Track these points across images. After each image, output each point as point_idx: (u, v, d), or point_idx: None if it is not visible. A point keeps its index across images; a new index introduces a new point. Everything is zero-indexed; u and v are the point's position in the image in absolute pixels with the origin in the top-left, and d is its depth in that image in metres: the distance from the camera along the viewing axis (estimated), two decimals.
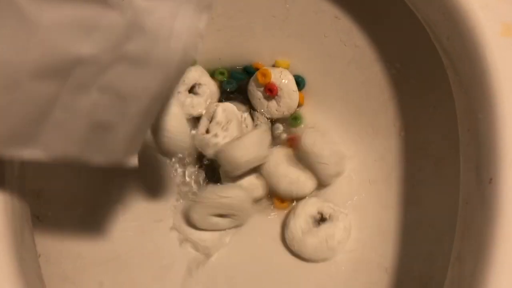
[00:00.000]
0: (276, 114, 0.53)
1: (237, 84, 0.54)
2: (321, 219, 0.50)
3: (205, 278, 0.49)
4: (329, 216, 0.49)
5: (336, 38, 0.51)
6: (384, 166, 0.50)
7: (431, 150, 0.46)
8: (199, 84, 0.51)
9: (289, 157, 0.51)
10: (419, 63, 0.47)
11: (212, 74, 0.53)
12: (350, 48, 0.51)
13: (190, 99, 0.51)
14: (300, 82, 0.53)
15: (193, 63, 0.52)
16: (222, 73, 0.53)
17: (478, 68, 0.36)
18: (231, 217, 0.49)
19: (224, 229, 0.50)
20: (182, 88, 0.50)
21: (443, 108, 0.45)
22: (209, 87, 0.52)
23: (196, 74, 0.51)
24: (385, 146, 0.51)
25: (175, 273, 0.48)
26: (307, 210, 0.49)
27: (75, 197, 0.48)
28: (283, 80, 0.51)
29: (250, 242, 0.52)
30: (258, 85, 0.52)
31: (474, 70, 0.36)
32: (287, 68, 0.52)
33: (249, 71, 0.53)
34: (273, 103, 0.53)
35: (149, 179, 0.51)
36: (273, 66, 0.53)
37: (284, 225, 0.51)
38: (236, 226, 0.50)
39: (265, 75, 0.51)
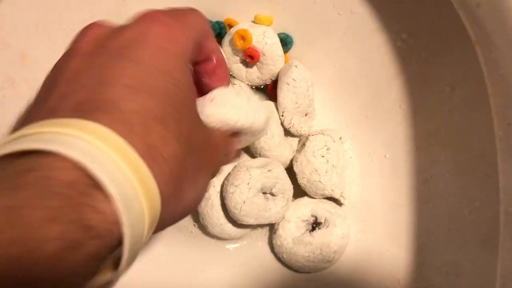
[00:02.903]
0: (257, 82, 0.44)
1: None
2: (315, 223, 0.42)
3: None
4: (325, 221, 0.42)
5: (328, 3, 0.42)
6: (390, 157, 0.43)
7: (448, 139, 0.39)
8: None
9: None
10: (431, 34, 0.39)
11: None
12: (345, 15, 0.42)
13: None
14: (287, 42, 0.44)
15: None
16: None
17: None
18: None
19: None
20: None
21: (463, 88, 0.38)
22: None
23: None
24: (390, 133, 0.43)
25: None
26: (299, 212, 0.42)
27: None
28: (267, 42, 0.42)
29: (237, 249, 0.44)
30: (235, 49, 0.42)
31: None
32: (270, 25, 0.43)
33: (219, 30, 0.44)
34: (254, 70, 0.44)
35: None
36: (253, 22, 0.43)
37: (272, 229, 0.43)
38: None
39: (244, 38, 0.41)
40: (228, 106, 0.26)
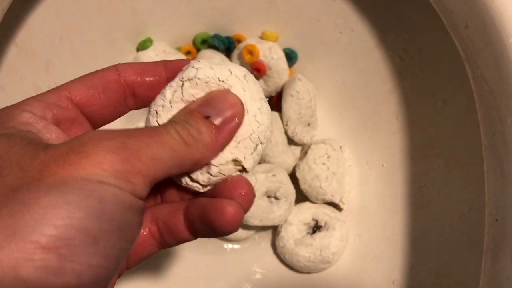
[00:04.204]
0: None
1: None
2: (316, 227, 0.45)
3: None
4: (325, 224, 0.44)
5: (330, 22, 0.45)
6: (387, 166, 0.46)
7: (441, 149, 0.42)
8: None
9: None
10: (426, 51, 0.42)
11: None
12: (346, 33, 0.45)
13: None
14: (292, 57, 0.47)
15: (150, 42, 0.45)
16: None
17: (505, 63, 0.31)
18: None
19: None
20: None
21: (455, 102, 0.41)
22: None
23: (153, 54, 0.45)
24: (387, 143, 0.46)
25: None
26: (301, 216, 0.45)
27: None
28: (273, 57, 0.45)
29: (240, 249, 0.47)
30: (244, 63, 0.46)
31: (500, 65, 0.31)
32: (276, 41, 0.46)
33: (228, 45, 0.47)
34: (260, 82, 0.47)
35: None
36: (260, 38, 0.47)
37: (275, 231, 0.46)
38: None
39: (252, 52, 0.45)
40: None
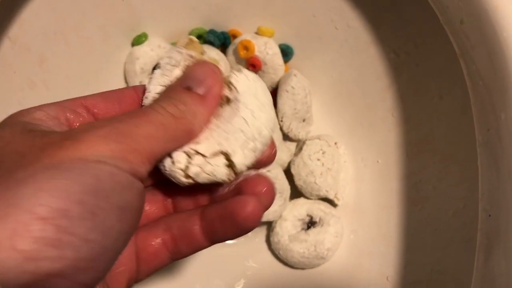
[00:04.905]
0: None
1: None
2: (311, 222, 0.45)
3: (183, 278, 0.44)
4: (319, 220, 0.44)
5: (326, 18, 0.45)
6: (382, 162, 0.45)
7: (436, 146, 0.42)
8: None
9: None
10: (422, 47, 0.42)
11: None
12: (342, 29, 0.45)
13: None
14: (287, 52, 0.47)
15: (145, 37, 0.45)
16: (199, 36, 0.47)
17: (500, 59, 0.31)
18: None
19: None
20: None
21: (450, 98, 0.41)
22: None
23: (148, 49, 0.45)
24: (382, 139, 0.46)
25: None
26: (295, 212, 0.44)
27: None
28: (268, 53, 0.45)
29: (235, 245, 0.47)
30: (239, 58, 0.45)
31: (495, 61, 0.31)
32: (271, 36, 0.46)
33: (224, 40, 0.47)
34: None
35: None
36: (255, 33, 0.46)
37: (270, 227, 0.46)
38: None
39: (247, 48, 0.44)
40: None
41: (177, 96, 0.22)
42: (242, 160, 0.23)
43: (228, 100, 0.23)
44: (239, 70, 0.24)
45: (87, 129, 0.19)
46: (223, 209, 0.23)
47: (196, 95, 0.22)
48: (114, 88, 0.25)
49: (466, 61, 0.35)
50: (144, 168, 0.20)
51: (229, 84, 0.24)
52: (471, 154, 0.38)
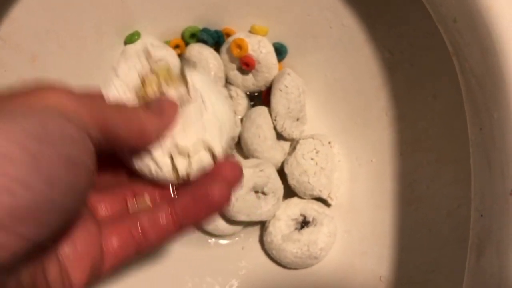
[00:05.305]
0: (252, 88, 0.47)
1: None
2: (304, 222, 0.45)
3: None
4: (313, 220, 0.44)
5: (320, 17, 0.45)
6: (377, 161, 0.45)
7: (430, 145, 0.41)
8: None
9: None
10: (416, 46, 0.42)
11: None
12: (336, 28, 0.45)
13: None
14: (281, 51, 0.46)
15: (137, 35, 0.45)
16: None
17: (492, 57, 0.31)
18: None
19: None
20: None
21: (444, 97, 0.40)
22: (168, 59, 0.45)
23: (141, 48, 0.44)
24: (376, 138, 0.45)
25: None
26: (289, 211, 0.44)
27: None
28: (262, 51, 0.45)
29: (227, 245, 0.46)
30: (232, 57, 0.45)
31: (488, 60, 0.31)
32: (265, 35, 0.46)
33: (217, 39, 0.46)
34: (249, 77, 0.46)
35: None
36: (249, 32, 0.46)
37: (263, 227, 0.45)
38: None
39: (241, 46, 0.44)
40: None
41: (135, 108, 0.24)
42: (219, 143, 0.25)
43: (189, 97, 0.26)
44: (191, 70, 0.27)
45: (45, 85, 0.19)
46: (194, 186, 0.24)
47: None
48: (105, 86, 0.26)
49: (459, 59, 0.34)
50: (94, 133, 0.20)
51: (187, 84, 0.26)
52: (465, 154, 0.38)
